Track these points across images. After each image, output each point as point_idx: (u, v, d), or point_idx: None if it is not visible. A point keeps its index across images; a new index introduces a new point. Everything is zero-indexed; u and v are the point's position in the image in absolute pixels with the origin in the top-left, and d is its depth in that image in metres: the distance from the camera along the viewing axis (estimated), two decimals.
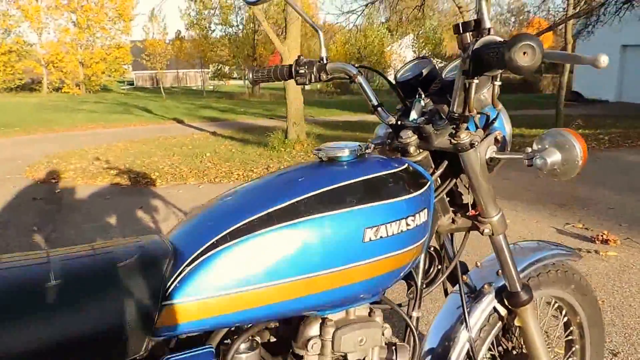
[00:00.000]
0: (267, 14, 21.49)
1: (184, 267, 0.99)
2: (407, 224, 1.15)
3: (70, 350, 0.87)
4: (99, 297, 0.92)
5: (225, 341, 1.12)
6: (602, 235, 4.16)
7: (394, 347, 1.26)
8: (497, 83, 1.21)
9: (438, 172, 1.35)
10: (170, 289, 0.97)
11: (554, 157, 1.24)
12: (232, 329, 1.13)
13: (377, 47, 32.63)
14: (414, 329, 1.30)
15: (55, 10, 34.25)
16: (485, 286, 1.59)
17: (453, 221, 1.44)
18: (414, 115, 1.34)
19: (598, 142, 9.38)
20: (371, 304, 1.26)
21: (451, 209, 1.45)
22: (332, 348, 1.18)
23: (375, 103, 1.41)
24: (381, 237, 1.11)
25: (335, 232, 1.07)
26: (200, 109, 21.73)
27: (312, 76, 1.46)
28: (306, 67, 1.47)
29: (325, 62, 1.45)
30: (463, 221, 1.44)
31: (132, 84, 50.55)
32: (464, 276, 1.59)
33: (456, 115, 1.24)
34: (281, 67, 1.53)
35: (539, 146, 1.28)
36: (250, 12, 28.72)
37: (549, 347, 1.73)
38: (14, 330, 0.84)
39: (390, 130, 1.41)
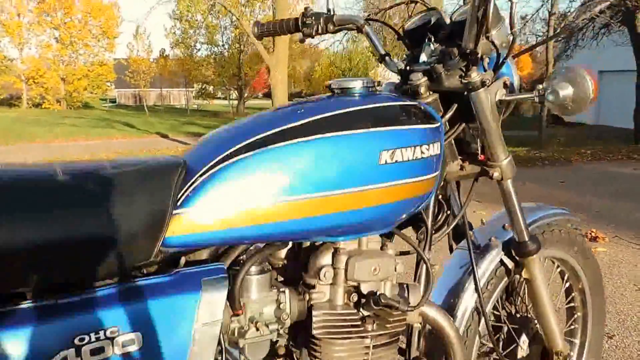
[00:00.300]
0: None
1: (197, 178, 0.97)
2: (422, 152, 1.14)
3: (79, 250, 0.85)
4: (108, 200, 0.90)
5: (236, 264, 1.09)
6: (590, 233, 4.20)
7: (405, 286, 1.25)
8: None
9: (447, 116, 1.35)
10: (181, 199, 0.95)
11: (566, 90, 1.25)
12: (243, 252, 1.10)
13: (362, 70, 32.95)
14: (428, 264, 1.27)
15: (37, 26, 34.05)
16: (492, 239, 1.59)
17: (461, 168, 1.44)
18: (423, 58, 1.34)
19: (581, 155, 9.57)
20: (383, 237, 1.25)
21: (459, 157, 1.45)
22: (345, 277, 1.15)
23: (383, 52, 1.41)
24: (396, 161, 1.10)
25: (350, 153, 1.07)
26: (185, 125, 21.65)
27: (319, 27, 1.46)
28: (313, 18, 1.46)
29: (332, 13, 1.45)
30: (471, 168, 1.43)
31: (115, 102, 50.23)
32: (470, 232, 1.58)
33: (468, 50, 1.24)
34: (287, 20, 1.52)
35: (550, 83, 1.28)
36: (236, 32, 28.94)
37: None
38: (22, 232, 0.81)
39: (396, 86, 1.41)
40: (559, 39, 15.39)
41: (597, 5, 12.14)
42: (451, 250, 1.63)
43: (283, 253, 1.22)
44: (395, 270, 1.22)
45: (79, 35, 34.70)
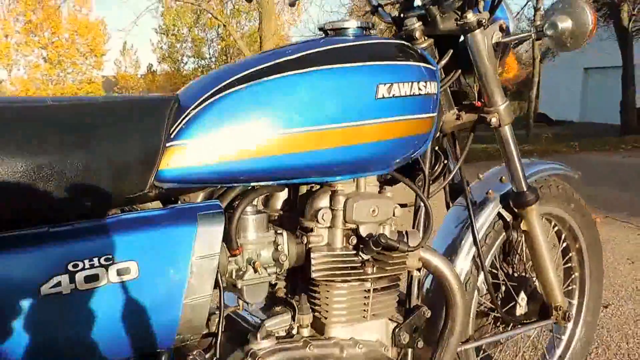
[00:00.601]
0: (242, 34, 21.63)
1: (190, 111, 0.96)
2: (419, 89, 1.14)
3: (72, 179, 0.84)
4: (100, 131, 0.89)
5: (232, 207, 1.08)
6: None
7: (404, 232, 1.24)
8: None
9: (443, 62, 1.35)
10: (174, 132, 0.94)
11: (565, 23, 1.25)
12: (239, 195, 1.09)
13: None
14: (427, 204, 1.27)
15: (25, 46, 33.91)
16: (490, 191, 1.58)
17: (458, 117, 1.43)
18: (418, 2, 1.34)
19: (570, 147, 9.68)
20: (381, 184, 1.24)
21: (456, 107, 1.44)
22: (344, 219, 1.14)
23: (375, 4, 1.41)
24: (394, 95, 1.09)
25: (347, 85, 1.06)
26: None
27: None
28: None
29: None
30: (468, 116, 1.43)
31: None
32: (467, 187, 1.57)
33: None
34: None
35: (547, 18, 1.28)
36: (222, 44, 28.92)
37: None
38: (15, 160, 0.80)
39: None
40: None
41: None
42: (448, 207, 1.63)
43: (279, 200, 1.21)
44: (394, 215, 1.21)
45: (67, 54, 34.50)
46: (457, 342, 1.29)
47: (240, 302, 1.11)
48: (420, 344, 1.27)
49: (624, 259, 3.39)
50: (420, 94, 1.14)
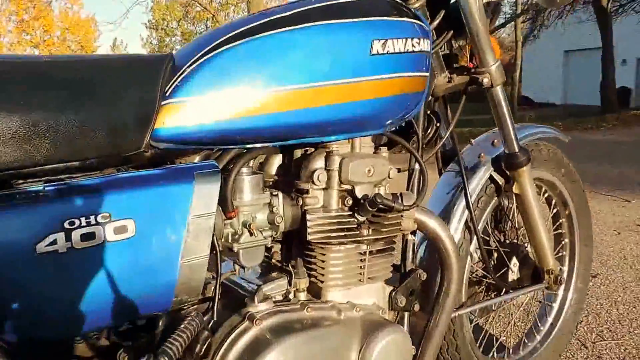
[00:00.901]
0: None
1: (185, 69, 0.94)
2: (413, 46, 1.12)
3: (66, 134, 0.81)
4: (94, 88, 0.86)
5: (228, 170, 1.06)
6: None
7: (399, 194, 1.22)
8: None
9: (435, 22, 1.33)
10: (169, 89, 0.91)
11: None
12: (235, 158, 1.07)
13: None
14: (422, 164, 1.25)
15: (17, 45, 33.44)
16: (482, 154, 1.58)
17: (449, 80, 1.42)
18: None
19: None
20: (376, 147, 1.23)
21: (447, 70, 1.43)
22: (340, 179, 1.12)
23: None
24: (388, 52, 1.08)
25: (342, 41, 1.04)
26: None
27: None
28: None
29: None
30: (460, 79, 1.42)
31: None
32: (460, 152, 1.56)
33: None
34: None
35: None
36: None
37: None
38: (10, 115, 0.77)
39: None
40: (527, 18, 15.57)
41: None
42: (440, 175, 1.62)
43: (274, 164, 1.19)
44: (389, 177, 1.20)
45: (58, 52, 34.11)
46: (452, 304, 1.29)
47: (236, 267, 1.09)
48: (417, 307, 1.26)
49: (610, 230, 3.44)
50: (414, 51, 1.13)
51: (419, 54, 1.15)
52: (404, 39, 1.10)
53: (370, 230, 1.14)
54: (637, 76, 21.37)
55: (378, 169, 1.15)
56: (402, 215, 1.17)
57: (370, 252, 1.17)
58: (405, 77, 1.13)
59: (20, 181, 0.81)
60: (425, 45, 1.16)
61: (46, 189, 0.80)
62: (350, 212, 1.13)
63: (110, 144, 0.85)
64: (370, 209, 1.11)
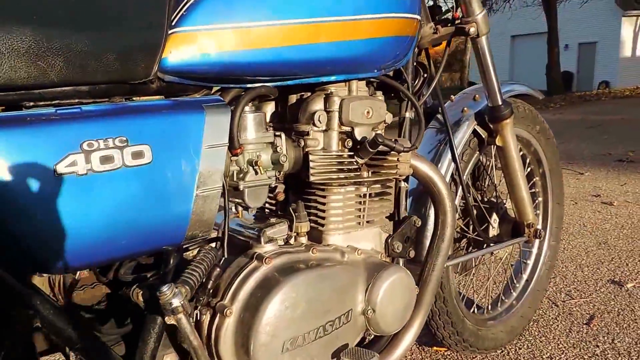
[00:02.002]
0: None
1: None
2: None
3: (79, 53, 0.78)
4: (106, 9, 0.83)
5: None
6: None
7: (394, 139, 1.22)
8: None
9: None
10: (175, 18, 0.88)
11: None
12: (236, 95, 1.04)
13: None
14: (418, 108, 1.25)
15: None
16: (465, 109, 1.59)
17: (435, 32, 1.43)
18: None
19: None
20: (374, 87, 1.23)
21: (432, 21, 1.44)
22: (340, 120, 1.12)
23: None
24: None
25: None
26: None
27: None
28: None
29: None
30: (445, 29, 1.43)
31: None
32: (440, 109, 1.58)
33: None
34: None
35: None
36: None
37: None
38: (24, 27, 0.74)
39: None
40: None
41: None
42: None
43: (272, 107, 1.18)
44: (385, 122, 1.20)
45: None
46: (448, 248, 1.30)
47: (240, 209, 1.07)
48: (412, 254, 1.27)
49: (568, 200, 3.54)
50: None
51: None
52: None
53: (369, 172, 1.14)
54: (579, 61, 22.16)
55: (376, 111, 1.16)
56: (398, 160, 1.17)
57: (370, 195, 1.18)
58: (400, 18, 1.14)
59: (31, 103, 0.77)
60: None
61: (59, 112, 0.77)
62: (351, 154, 1.12)
63: (120, 69, 0.82)
64: (371, 150, 1.11)
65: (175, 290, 0.81)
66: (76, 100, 0.81)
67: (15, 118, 0.73)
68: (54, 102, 0.79)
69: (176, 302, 0.81)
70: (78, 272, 0.91)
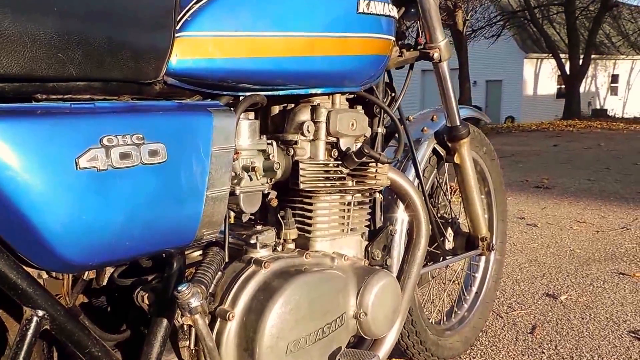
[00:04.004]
0: None
1: (192, 4, 0.92)
2: (389, 10, 1.21)
3: (96, 49, 0.78)
4: (119, 6, 0.83)
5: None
6: None
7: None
8: None
9: None
10: (181, 22, 0.90)
11: None
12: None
13: None
14: (396, 119, 1.32)
15: None
16: (424, 128, 1.68)
17: (400, 55, 1.51)
18: None
19: None
20: (351, 103, 1.28)
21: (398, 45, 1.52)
22: (327, 131, 1.16)
23: None
24: (371, 12, 1.15)
25: None
26: None
27: None
28: None
29: None
30: (410, 53, 1.52)
31: None
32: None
33: None
34: None
35: None
36: None
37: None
38: (45, 19, 0.73)
39: None
40: None
41: None
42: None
43: (261, 116, 1.20)
44: (365, 135, 1.26)
45: None
46: (422, 257, 1.36)
47: (232, 214, 1.08)
48: (389, 262, 1.31)
49: None
50: (389, 15, 1.22)
51: (391, 19, 1.24)
52: (383, 3, 1.19)
53: (354, 181, 1.19)
54: (487, 96, 23.49)
55: (359, 124, 1.21)
56: (377, 171, 1.22)
57: (353, 204, 1.22)
58: (380, 38, 1.20)
59: (44, 96, 0.75)
60: (394, 12, 1.25)
61: (73, 106, 0.76)
62: (336, 163, 1.17)
63: (134, 68, 0.82)
64: (356, 159, 1.15)
65: (193, 289, 0.81)
66: (87, 96, 0.80)
67: (32, 109, 0.72)
68: (65, 96, 0.78)
69: (195, 302, 0.81)
70: (86, 273, 0.89)
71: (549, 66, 23.53)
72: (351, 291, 1.11)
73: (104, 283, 0.93)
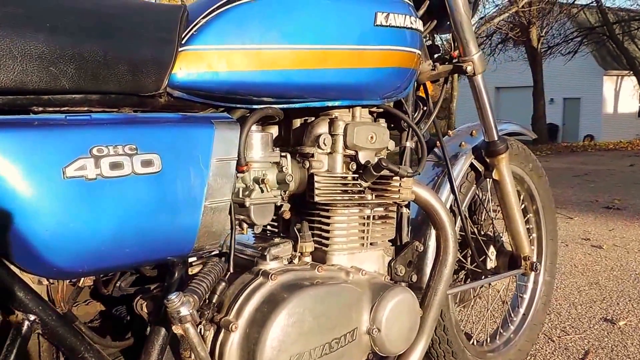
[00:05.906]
0: None
1: (200, 19, 0.94)
2: (411, 22, 1.18)
3: (90, 63, 0.80)
4: (117, 22, 0.86)
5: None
6: None
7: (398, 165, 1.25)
8: None
9: (420, 12, 1.39)
10: (186, 37, 0.92)
11: None
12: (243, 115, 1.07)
13: None
14: (421, 137, 1.28)
15: None
16: (462, 143, 1.63)
17: (433, 68, 1.48)
18: None
19: None
20: (375, 117, 1.26)
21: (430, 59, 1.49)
22: (344, 144, 1.15)
23: None
24: (390, 25, 1.13)
25: (349, 9, 1.09)
26: None
27: None
28: None
29: None
30: (443, 67, 1.49)
31: None
32: (437, 142, 1.62)
33: None
34: None
35: None
36: None
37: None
38: (37, 35, 0.76)
39: None
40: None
41: (497, 17, 13.02)
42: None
43: (277, 129, 1.21)
44: (388, 149, 1.24)
45: None
46: (449, 274, 1.31)
47: (245, 226, 1.08)
48: (415, 278, 1.28)
49: (559, 242, 3.54)
50: (411, 28, 1.18)
51: (415, 32, 1.20)
52: (403, 15, 1.16)
53: (373, 195, 1.16)
54: (564, 114, 22.65)
55: (379, 137, 1.19)
56: (400, 185, 1.20)
57: (373, 218, 1.19)
58: (403, 51, 1.18)
59: (40, 108, 0.79)
60: (419, 25, 1.22)
61: (68, 117, 0.78)
62: (355, 176, 1.15)
63: (131, 81, 0.84)
64: (375, 173, 1.13)
65: (184, 299, 0.81)
66: (85, 108, 0.82)
67: (25, 121, 0.75)
68: (62, 108, 0.80)
69: (184, 311, 0.81)
70: (82, 280, 0.91)
71: (630, 84, 22.46)
72: (365, 306, 1.09)
73: (109, 291, 0.95)
